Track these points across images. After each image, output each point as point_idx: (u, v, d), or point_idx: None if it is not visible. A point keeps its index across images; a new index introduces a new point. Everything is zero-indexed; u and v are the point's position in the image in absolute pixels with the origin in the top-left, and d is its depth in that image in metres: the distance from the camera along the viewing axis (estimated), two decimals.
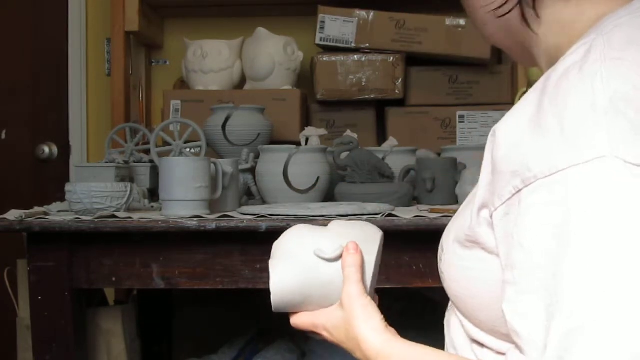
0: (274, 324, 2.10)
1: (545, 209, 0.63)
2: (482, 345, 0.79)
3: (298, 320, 0.91)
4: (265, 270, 1.43)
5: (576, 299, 0.59)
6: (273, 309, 0.89)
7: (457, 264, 0.79)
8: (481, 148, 2.10)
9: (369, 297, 0.85)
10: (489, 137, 0.72)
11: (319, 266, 0.87)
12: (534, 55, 0.81)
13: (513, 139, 0.67)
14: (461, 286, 0.78)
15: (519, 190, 0.65)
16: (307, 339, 2.03)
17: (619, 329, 0.57)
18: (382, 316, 0.83)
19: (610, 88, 0.63)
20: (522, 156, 0.65)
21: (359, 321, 0.83)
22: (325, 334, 0.88)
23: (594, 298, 0.58)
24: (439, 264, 0.85)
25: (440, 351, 0.79)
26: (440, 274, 0.84)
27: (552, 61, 0.75)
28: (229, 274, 1.44)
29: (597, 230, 0.59)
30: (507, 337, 0.74)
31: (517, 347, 0.65)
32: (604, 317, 0.58)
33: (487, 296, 0.75)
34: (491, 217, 0.70)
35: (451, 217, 1.37)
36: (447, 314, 0.89)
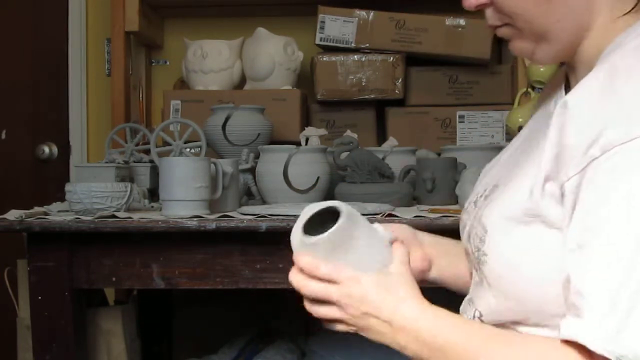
0: (274, 324, 2.10)
1: (620, 176, 0.64)
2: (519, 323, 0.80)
3: (332, 268, 0.82)
4: (265, 270, 1.43)
5: None
6: (314, 241, 0.82)
7: (507, 241, 0.79)
8: (481, 148, 2.09)
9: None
10: (558, 109, 0.72)
11: (376, 235, 0.87)
12: (581, 46, 0.81)
13: (588, 111, 0.69)
14: (510, 263, 0.78)
15: (596, 158, 0.66)
16: (307, 339, 2.03)
17: None
18: None
19: None
20: (599, 126, 0.67)
21: (409, 285, 0.83)
22: (356, 288, 0.82)
23: None
24: (478, 247, 0.83)
25: (482, 323, 0.82)
26: (481, 256, 0.83)
27: (600, 49, 0.77)
28: (229, 274, 1.44)
29: None
30: (551, 318, 0.74)
31: (576, 309, 0.66)
32: None
33: (539, 271, 0.75)
34: (561, 187, 0.71)
35: (452, 216, 1.38)
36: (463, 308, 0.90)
